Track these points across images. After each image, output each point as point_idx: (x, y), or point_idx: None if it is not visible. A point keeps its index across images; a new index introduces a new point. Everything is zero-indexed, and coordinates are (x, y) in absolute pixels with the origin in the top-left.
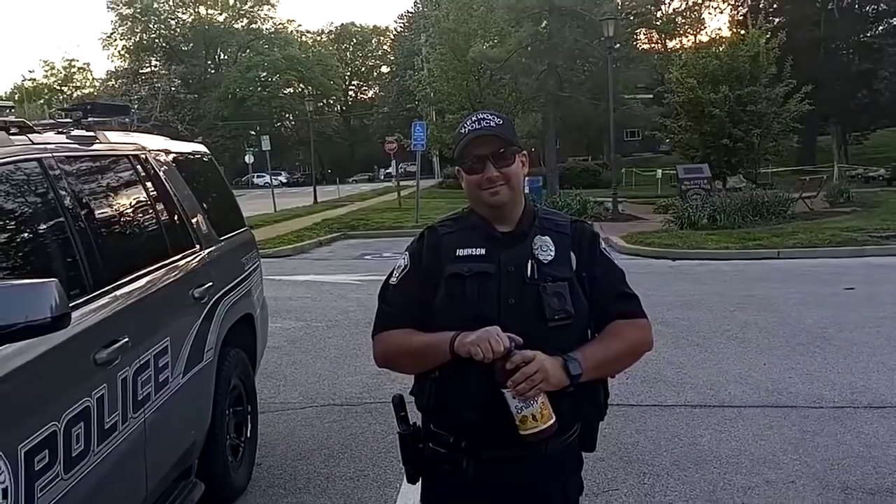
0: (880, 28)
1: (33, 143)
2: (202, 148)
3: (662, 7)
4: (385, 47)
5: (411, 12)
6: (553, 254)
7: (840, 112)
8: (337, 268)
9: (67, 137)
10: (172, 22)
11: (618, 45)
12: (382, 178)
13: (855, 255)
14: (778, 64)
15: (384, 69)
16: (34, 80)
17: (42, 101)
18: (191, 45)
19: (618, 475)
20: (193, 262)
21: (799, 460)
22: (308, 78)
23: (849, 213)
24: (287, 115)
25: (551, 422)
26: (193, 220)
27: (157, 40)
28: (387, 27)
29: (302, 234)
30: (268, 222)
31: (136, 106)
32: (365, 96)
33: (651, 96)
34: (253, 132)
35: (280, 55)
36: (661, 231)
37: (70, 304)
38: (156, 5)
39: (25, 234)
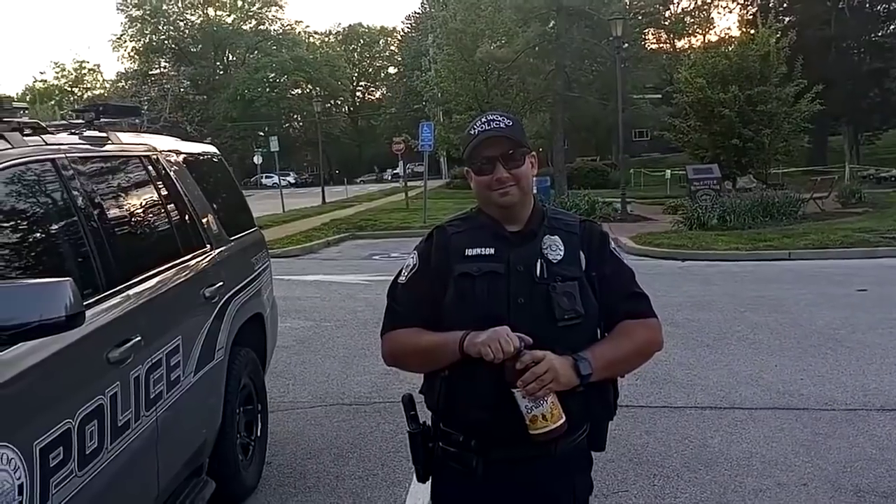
0: (892, 27)
1: (47, 144)
2: (212, 148)
3: (671, 7)
4: (392, 48)
5: (418, 13)
6: (562, 253)
7: (851, 112)
8: (345, 268)
9: (80, 138)
10: (181, 23)
11: (626, 44)
12: (390, 178)
13: (867, 256)
14: (788, 63)
15: (391, 70)
16: (45, 81)
17: (53, 103)
18: (200, 46)
19: (627, 476)
20: (204, 261)
21: (811, 463)
22: (316, 79)
23: (861, 214)
24: (295, 116)
25: (561, 421)
26: (204, 220)
27: (166, 42)
28: (394, 28)
29: (310, 234)
30: (276, 222)
31: (145, 107)
32: (372, 97)
33: (660, 96)
34: (261, 133)
35: (288, 56)
36: (671, 232)
37: (84, 304)
38: (165, 7)
39: (39, 234)
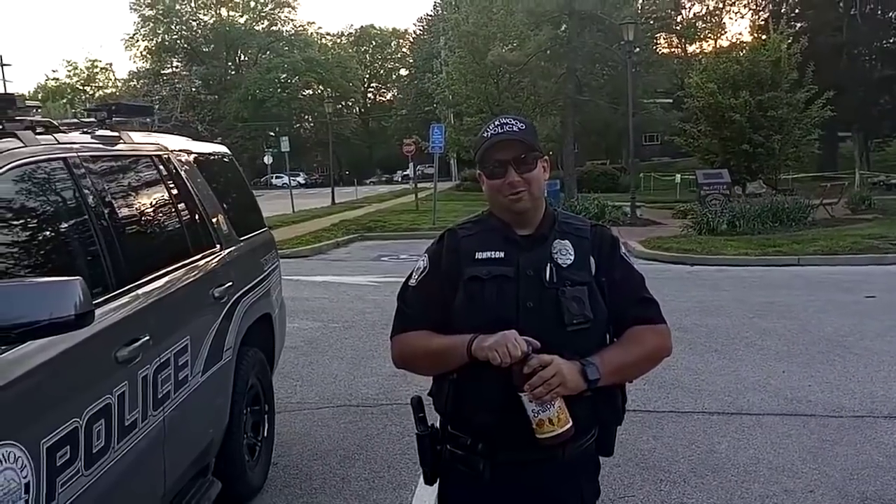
0: None
1: (59, 143)
2: (223, 148)
3: (683, 11)
4: (404, 50)
5: (430, 15)
6: (572, 258)
7: (862, 118)
8: (354, 269)
9: (92, 137)
10: (194, 23)
11: (637, 49)
12: (399, 179)
13: (876, 263)
14: (799, 69)
15: (403, 72)
16: (57, 79)
17: (65, 101)
18: (212, 46)
19: (634, 481)
20: (213, 261)
21: (818, 469)
22: (327, 80)
23: (870, 221)
24: (306, 117)
25: (568, 426)
26: (214, 220)
27: (178, 41)
28: (406, 30)
29: (320, 234)
30: (286, 223)
31: (157, 106)
32: (383, 98)
33: (671, 101)
34: (272, 133)
35: (300, 57)
36: (680, 236)
37: (93, 302)
38: (178, 7)
39: (50, 232)
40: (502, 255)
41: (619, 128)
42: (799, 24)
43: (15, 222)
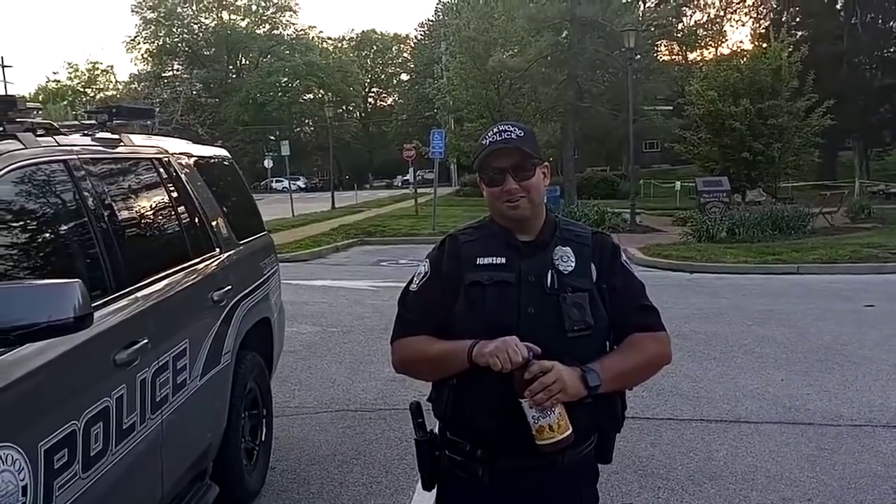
0: None
1: (59, 145)
2: (223, 152)
3: (684, 19)
4: (405, 55)
5: (432, 21)
6: (573, 264)
7: (862, 127)
8: (353, 273)
9: (92, 140)
10: (195, 26)
11: (638, 56)
12: (400, 184)
13: (875, 272)
14: (800, 78)
15: (404, 77)
16: (58, 81)
17: (65, 103)
18: (213, 49)
19: (632, 488)
20: (213, 265)
21: (815, 478)
22: (328, 84)
23: (870, 230)
24: (307, 121)
25: (568, 432)
26: (214, 224)
27: (179, 44)
28: (407, 35)
29: (319, 239)
30: (286, 227)
31: (157, 109)
32: (384, 103)
33: (671, 108)
34: (272, 137)
35: (301, 61)
36: (679, 243)
37: (92, 305)
38: (179, 10)
39: (50, 235)
40: (503, 260)
41: (619, 134)
42: (800, 33)
43: (15, 224)
